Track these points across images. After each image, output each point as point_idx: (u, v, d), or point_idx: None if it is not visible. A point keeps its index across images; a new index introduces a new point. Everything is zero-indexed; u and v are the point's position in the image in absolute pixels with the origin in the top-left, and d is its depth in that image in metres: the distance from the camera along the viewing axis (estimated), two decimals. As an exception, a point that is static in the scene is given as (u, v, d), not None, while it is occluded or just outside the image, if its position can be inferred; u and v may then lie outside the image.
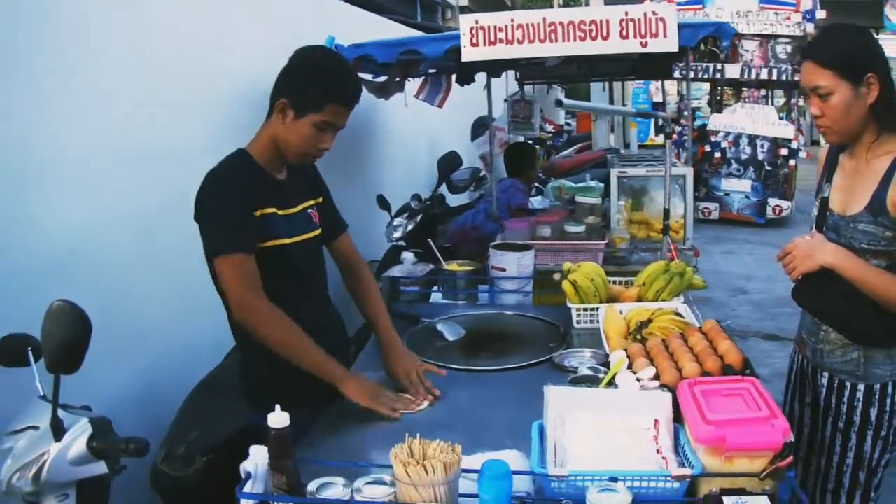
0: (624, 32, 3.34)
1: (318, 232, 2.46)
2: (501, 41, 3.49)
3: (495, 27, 3.45)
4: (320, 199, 2.53)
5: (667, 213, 3.60)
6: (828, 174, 2.36)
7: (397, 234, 5.05)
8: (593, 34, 3.37)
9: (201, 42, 3.40)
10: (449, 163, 5.53)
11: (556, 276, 3.04)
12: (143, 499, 2.56)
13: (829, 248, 2.18)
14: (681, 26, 3.31)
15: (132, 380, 2.85)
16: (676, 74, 5.29)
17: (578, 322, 2.92)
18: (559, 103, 6.62)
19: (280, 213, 2.30)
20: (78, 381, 1.87)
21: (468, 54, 3.51)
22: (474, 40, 3.51)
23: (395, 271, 4.20)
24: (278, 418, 1.57)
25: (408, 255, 4.35)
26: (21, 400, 1.93)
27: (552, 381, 2.32)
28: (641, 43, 3.36)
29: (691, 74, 9.20)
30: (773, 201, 10.97)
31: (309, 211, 2.46)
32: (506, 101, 6.40)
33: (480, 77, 5.27)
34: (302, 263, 2.36)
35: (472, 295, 3.47)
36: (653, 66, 5.22)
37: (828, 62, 2.11)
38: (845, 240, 2.20)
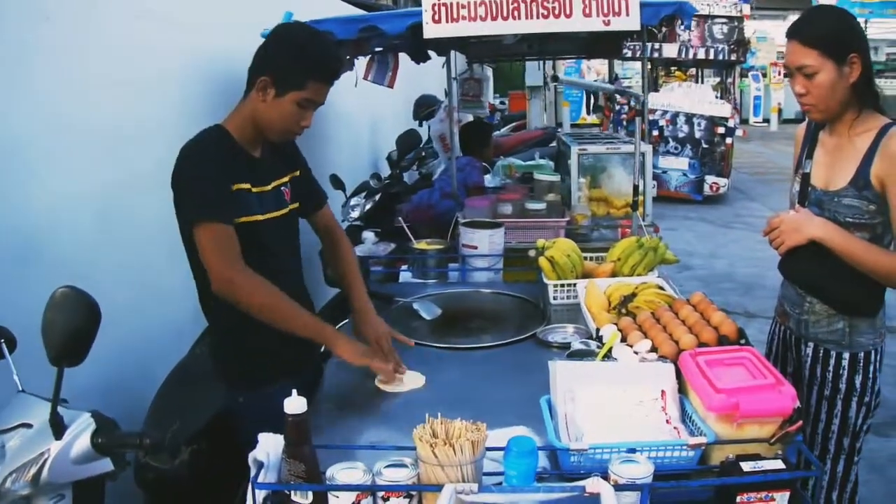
0: (587, 10, 3.33)
1: (287, 210, 2.42)
2: (464, 18, 3.45)
3: (458, 3, 3.41)
4: (297, 173, 2.49)
5: (636, 189, 3.63)
6: (808, 150, 2.40)
7: (355, 214, 5.00)
8: (556, 12, 3.36)
9: (166, 19, 3.29)
10: (408, 141, 5.49)
11: (532, 253, 3.04)
12: (123, 494, 2.49)
13: (816, 221, 2.22)
14: (643, 5, 3.32)
15: (96, 370, 2.74)
16: (627, 54, 5.33)
17: (556, 298, 2.93)
18: (555, 79, 6.58)
19: (254, 190, 2.26)
20: (40, 375, 1.75)
21: (430, 31, 3.46)
22: (436, 17, 3.46)
23: (357, 251, 4.14)
24: (295, 403, 1.52)
25: (369, 235, 4.32)
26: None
27: (538, 357, 2.37)
28: (604, 21, 3.36)
29: (628, 53, 9.30)
30: (710, 179, 11.21)
31: (282, 188, 2.41)
32: (455, 79, 6.37)
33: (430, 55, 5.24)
34: (273, 240, 2.32)
35: (443, 273, 3.46)
36: (604, 46, 5.24)
37: (814, 42, 2.15)
38: (829, 214, 2.25)
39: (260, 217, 2.25)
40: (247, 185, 2.24)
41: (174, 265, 2.25)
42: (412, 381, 2.26)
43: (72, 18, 2.72)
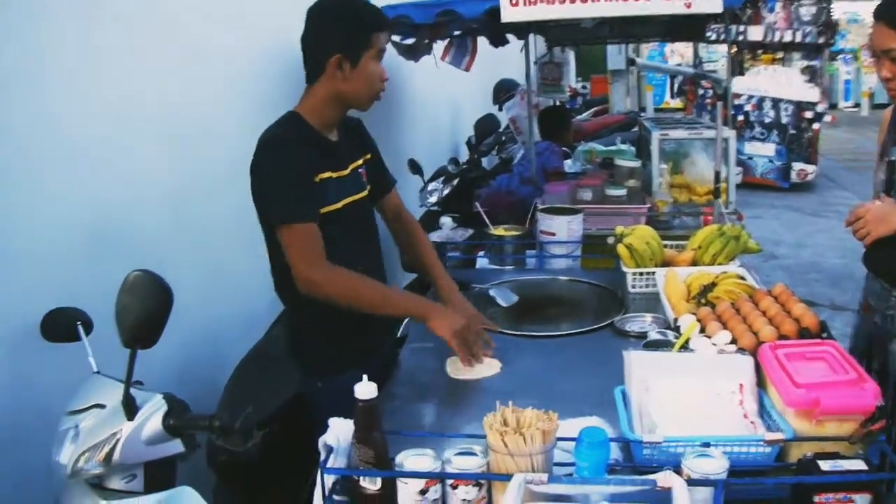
0: (669, -8, 3.26)
1: (367, 192, 2.43)
2: (542, 1, 3.40)
3: (537, -13, 3.38)
4: (369, 156, 2.50)
5: (718, 175, 3.55)
6: (894, 137, 2.30)
7: (433, 199, 5.01)
8: (637, -6, 3.30)
9: (226, 17, 3.31)
10: (486, 126, 5.47)
11: (610, 240, 3.00)
12: (195, 475, 2.55)
13: None
14: (726, -14, 3.23)
15: (171, 353, 2.80)
16: (711, 37, 5.20)
17: (634, 286, 2.89)
18: (632, 63, 6.49)
19: (335, 176, 2.27)
20: (115, 357, 1.79)
21: (508, 15, 3.42)
22: (514, 0, 3.43)
23: (434, 237, 4.17)
24: (365, 389, 1.54)
25: (446, 220, 4.33)
26: (67, 377, 1.87)
27: (615, 347, 2.33)
28: (685, 4, 3.27)
29: (712, 36, 9.06)
30: (797, 165, 10.84)
31: (359, 170, 2.42)
32: (534, 63, 6.32)
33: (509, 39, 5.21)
34: (353, 225, 2.33)
35: (520, 260, 3.45)
36: (687, 29, 5.11)
37: None
38: None
39: (339, 205, 2.27)
40: (329, 174, 2.24)
41: (247, 254, 2.28)
42: (486, 368, 2.26)
43: (141, 18, 2.75)
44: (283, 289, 2.33)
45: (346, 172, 2.33)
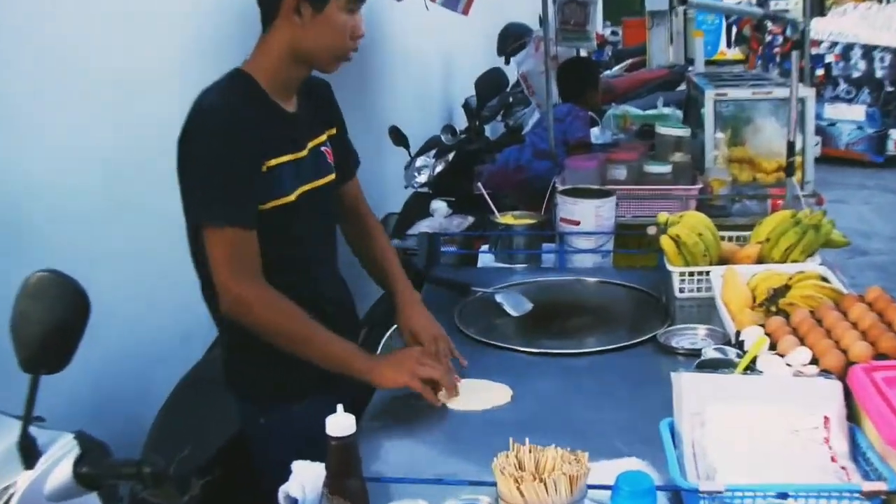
0: None
1: (329, 178, 2.40)
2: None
3: None
4: (334, 130, 2.47)
5: (791, 147, 3.55)
6: None
7: (422, 178, 5.01)
8: None
9: None
10: (490, 84, 5.47)
11: (651, 231, 3.00)
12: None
13: None
14: None
15: (86, 380, 2.76)
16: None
17: (682, 290, 2.89)
18: (683, 1, 6.47)
19: (290, 159, 2.23)
20: (8, 385, 1.73)
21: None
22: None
23: (424, 226, 4.17)
24: (340, 423, 1.52)
25: (439, 205, 4.33)
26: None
27: (659, 368, 2.36)
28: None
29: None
30: (894, 133, 10.79)
31: (322, 149, 2.38)
32: (553, 2, 6.32)
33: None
34: (307, 220, 2.29)
35: (534, 256, 3.45)
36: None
37: None
38: None
39: (293, 196, 2.23)
40: (283, 158, 2.21)
41: (184, 251, 2.25)
42: (494, 395, 2.25)
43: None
44: (212, 303, 2.29)
45: (304, 153, 2.29)
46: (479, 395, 2.24)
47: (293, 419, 2.25)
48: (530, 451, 1.57)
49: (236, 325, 2.24)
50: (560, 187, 3.68)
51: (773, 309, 2.42)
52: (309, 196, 2.29)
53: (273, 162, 2.18)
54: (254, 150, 2.14)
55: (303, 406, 2.26)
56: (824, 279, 2.55)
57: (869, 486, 1.59)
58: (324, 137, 2.40)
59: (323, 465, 1.59)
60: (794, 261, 2.82)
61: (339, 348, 2.21)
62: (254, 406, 2.35)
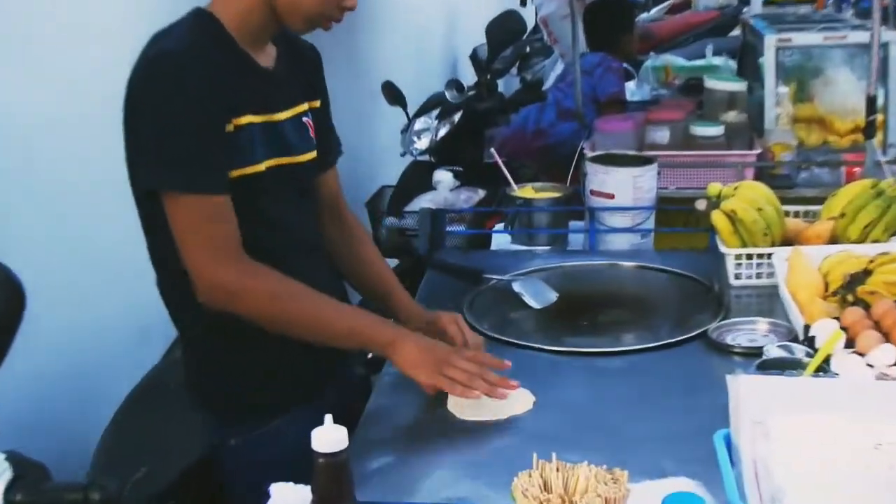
0: None
1: (313, 154, 2.37)
2: None
3: None
4: (318, 104, 2.45)
5: (872, 103, 3.53)
6: None
7: (422, 143, 5.00)
8: None
9: None
10: (504, 30, 5.44)
11: (700, 205, 2.99)
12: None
13: None
14: None
15: (19, 387, 2.75)
16: None
17: (738, 276, 2.89)
18: None
19: (260, 121, 2.21)
20: None
21: None
22: None
23: (426, 202, 4.17)
24: (330, 436, 1.52)
25: (444, 177, 4.33)
26: None
27: (712, 370, 2.36)
28: None
29: None
30: None
31: (303, 119, 2.36)
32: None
33: None
34: (281, 202, 2.25)
35: (559, 237, 3.46)
36: None
37: None
38: None
39: (262, 167, 2.18)
40: (252, 117, 2.16)
41: (138, 232, 2.23)
42: (513, 402, 2.24)
43: None
44: (169, 296, 2.28)
45: (279, 118, 2.27)
46: (494, 401, 2.23)
47: (271, 438, 2.24)
48: (557, 470, 1.57)
49: (203, 329, 2.24)
50: (589, 154, 3.68)
51: (850, 298, 2.41)
52: (282, 172, 2.24)
53: (242, 120, 2.13)
54: (221, 100, 2.09)
55: (283, 421, 2.25)
56: (911, 262, 2.54)
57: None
58: (305, 107, 2.35)
59: (308, 487, 1.59)
60: (875, 240, 2.81)
61: (355, 320, 2.22)
62: (222, 424, 2.32)
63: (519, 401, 2.24)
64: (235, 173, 2.13)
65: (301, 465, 1.56)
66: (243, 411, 2.30)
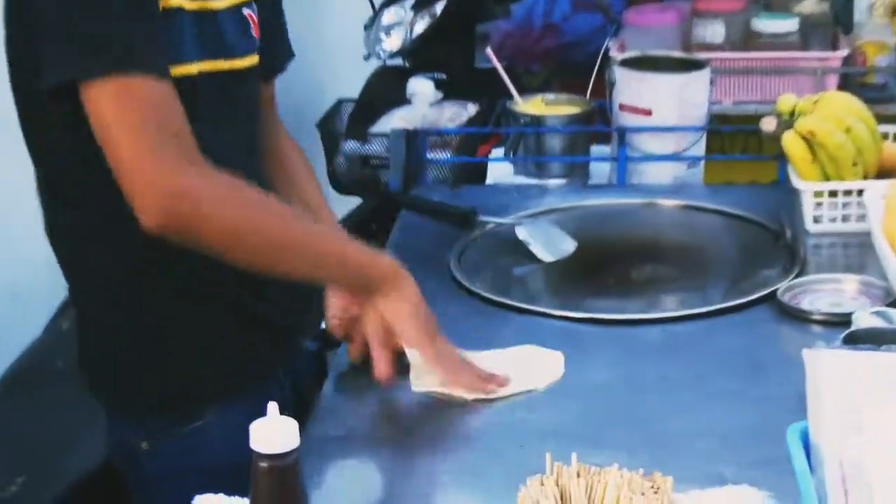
0: None
1: (254, 59, 2.36)
2: None
3: None
4: None
5: None
6: None
7: (392, 44, 4.97)
8: None
9: None
10: None
11: (767, 125, 2.98)
12: None
13: None
14: None
15: None
16: None
17: (818, 220, 2.90)
18: None
19: (192, 7, 2.19)
20: None
21: None
22: None
23: (398, 119, 4.16)
24: (275, 432, 1.52)
25: (423, 87, 4.32)
26: None
27: (783, 341, 2.41)
28: None
29: None
30: None
31: (245, 11, 2.35)
32: None
33: None
34: (217, 119, 2.24)
35: (578, 167, 3.47)
36: None
37: None
38: None
39: (194, 68, 2.17)
40: (186, 2, 2.15)
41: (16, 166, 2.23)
42: (530, 370, 2.27)
43: None
44: (64, 241, 2.27)
45: (216, 6, 2.26)
46: (505, 376, 2.23)
47: (199, 438, 2.24)
48: (579, 475, 1.58)
49: (102, 283, 2.23)
50: (618, 56, 3.67)
51: (967, 249, 2.42)
52: (218, 81, 2.24)
53: (172, 1, 2.14)
54: None
55: (215, 416, 2.25)
56: None
57: None
58: None
59: (245, 501, 1.60)
60: None
61: (345, 242, 2.26)
62: (132, 419, 2.32)
63: (541, 366, 2.25)
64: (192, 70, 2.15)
65: (238, 473, 1.57)
66: (160, 402, 2.30)
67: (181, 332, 2.24)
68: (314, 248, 2.19)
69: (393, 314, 2.19)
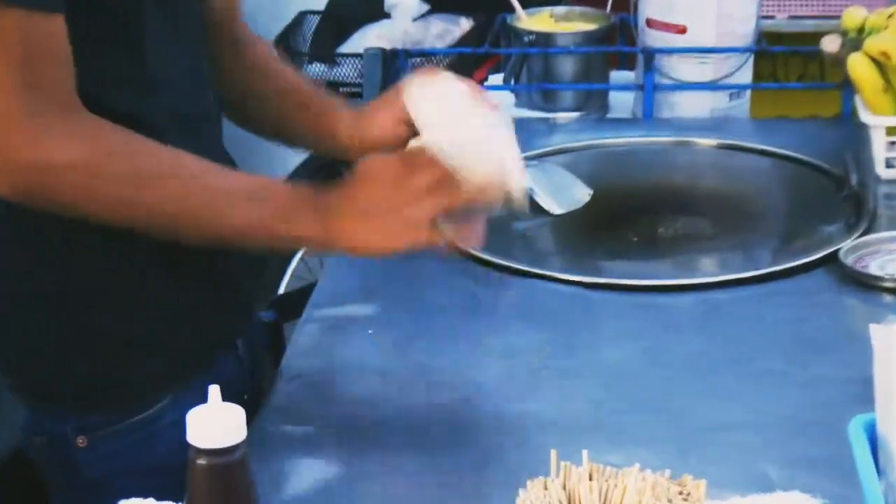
0: None
1: None
2: None
3: None
4: None
5: None
6: None
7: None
8: None
9: None
10: None
11: (829, 45, 2.99)
12: None
13: None
14: None
15: None
16: None
17: (892, 163, 2.90)
18: None
19: None
20: None
21: None
22: None
23: (373, 37, 4.17)
24: (216, 423, 1.52)
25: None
26: None
27: (845, 312, 2.43)
28: None
29: None
30: None
31: None
32: None
33: None
34: (164, 41, 2.27)
35: (595, 96, 3.49)
36: None
37: None
38: None
39: None
40: None
41: None
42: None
43: None
44: None
45: None
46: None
47: (145, 433, 2.25)
48: (591, 477, 1.58)
49: (16, 252, 2.23)
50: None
51: None
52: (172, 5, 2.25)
53: None
54: None
55: (167, 404, 2.25)
56: None
57: None
58: None
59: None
60: None
61: (260, 206, 2.13)
62: (64, 413, 2.33)
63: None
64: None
65: (177, 466, 1.57)
66: (100, 390, 2.30)
67: (116, 302, 2.22)
68: (226, 215, 2.11)
69: (359, 256, 2.17)
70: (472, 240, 2.20)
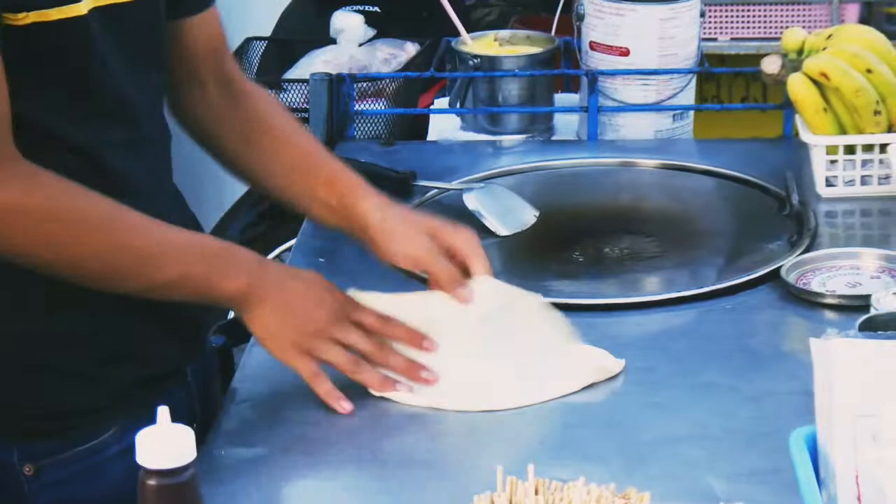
0: None
1: None
2: None
3: None
4: None
5: None
6: None
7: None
8: None
9: None
10: None
11: (770, 67, 3.01)
12: None
13: None
14: None
15: None
16: None
17: (831, 183, 2.93)
18: None
19: None
20: None
21: None
22: None
23: (319, 62, 4.18)
24: (166, 443, 1.53)
25: (349, 21, 4.33)
26: None
27: (788, 327, 2.45)
28: None
29: None
30: None
31: None
32: None
33: None
34: (117, 63, 2.26)
35: (540, 119, 3.50)
36: None
37: None
38: None
39: (82, 9, 2.11)
40: None
41: None
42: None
43: None
44: None
45: None
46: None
47: (94, 461, 2.24)
48: (536, 491, 1.60)
49: None
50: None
51: None
52: (110, 17, 2.20)
53: None
54: None
55: (116, 431, 2.25)
56: None
57: None
58: None
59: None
60: None
61: (190, 260, 2.17)
62: (9, 441, 2.33)
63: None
64: (28, 19, 2.11)
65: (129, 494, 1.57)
66: (38, 423, 2.29)
67: (60, 333, 2.20)
68: (148, 269, 2.14)
69: (257, 339, 2.24)
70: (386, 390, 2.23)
